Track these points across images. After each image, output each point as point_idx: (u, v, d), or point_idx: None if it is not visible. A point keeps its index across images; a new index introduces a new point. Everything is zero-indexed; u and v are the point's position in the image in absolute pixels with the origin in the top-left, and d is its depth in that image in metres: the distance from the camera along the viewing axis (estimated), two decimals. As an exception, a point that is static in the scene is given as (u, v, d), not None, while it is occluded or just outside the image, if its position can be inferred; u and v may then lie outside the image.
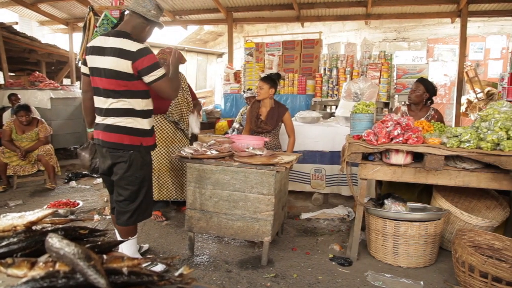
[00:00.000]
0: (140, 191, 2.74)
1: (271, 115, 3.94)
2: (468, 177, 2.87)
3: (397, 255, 3.06)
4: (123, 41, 2.52)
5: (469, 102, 8.19)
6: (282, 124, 4.07)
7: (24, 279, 0.72)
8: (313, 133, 4.76)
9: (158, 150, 3.97)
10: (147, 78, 2.53)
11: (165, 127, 4.00)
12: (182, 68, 4.16)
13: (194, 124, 3.95)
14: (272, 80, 3.95)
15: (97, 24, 3.96)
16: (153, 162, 3.93)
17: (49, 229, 0.91)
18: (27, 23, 11.43)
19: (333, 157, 4.65)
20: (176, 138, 4.05)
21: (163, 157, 4.00)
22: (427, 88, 3.85)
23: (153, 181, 3.98)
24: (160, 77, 2.54)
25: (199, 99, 7.47)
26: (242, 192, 3.02)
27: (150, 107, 2.74)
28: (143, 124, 2.67)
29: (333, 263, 3.15)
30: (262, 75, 4.20)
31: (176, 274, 0.87)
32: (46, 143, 5.53)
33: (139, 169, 2.69)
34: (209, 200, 3.10)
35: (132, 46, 2.50)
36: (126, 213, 2.74)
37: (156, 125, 3.94)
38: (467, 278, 2.59)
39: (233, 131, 5.81)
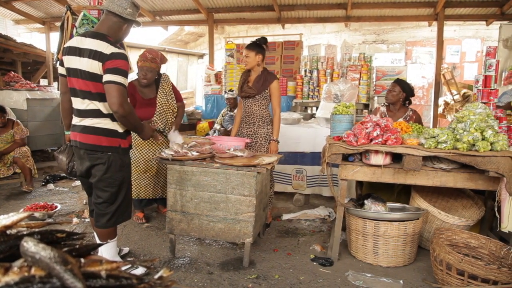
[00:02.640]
0: (119, 192, 2.70)
1: (258, 80, 3.74)
2: (445, 177, 2.93)
3: (377, 255, 3.10)
4: (99, 43, 2.48)
5: (446, 103, 8.38)
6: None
7: (-3, 285, 0.70)
8: (294, 134, 4.78)
9: (143, 151, 3.92)
10: (105, 77, 2.44)
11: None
12: (163, 69, 4.11)
13: (174, 139, 3.57)
14: (258, 45, 3.75)
15: (77, 24, 3.89)
16: (139, 163, 3.89)
17: (25, 233, 0.89)
18: (1, 21, 11.13)
19: (314, 158, 4.68)
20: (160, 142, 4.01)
21: (149, 158, 3.95)
22: (403, 88, 3.94)
23: (138, 181, 3.96)
24: (115, 81, 2.42)
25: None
26: (223, 193, 3.01)
27: None
28: (116, 125, 2.63)
29: (315, 263, 3.17)
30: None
31: (156, 276, 0.86)
32: (23, 144, 5.39)
33: (118, 170, 2.65)
34: (190, 201, 3.08)
35: (107, 49, 2.46)
36: (105, 216, 2.70)
37: None
38: (445, 276, 2.65)
39: (214, 132, 5.79)
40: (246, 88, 3.75)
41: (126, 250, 3.34)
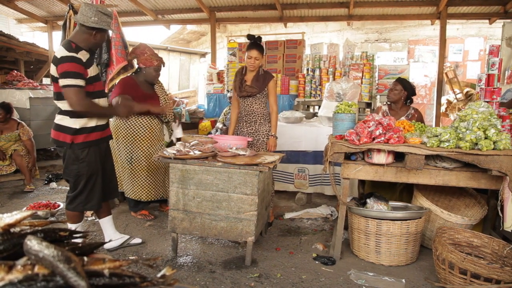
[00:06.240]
0: (78, 183, 2.97)
1: (257, 78, 3.79)
2: (447, 176, 2.93)
3: (380, 254, 3.10)
4: (59, 49, 2.83)
5: (449, 102, 8.36)
6: None
7: (1, 283, 0.70)
8: (296, 133, 4.78)
9: (146, 148, 3.94)
10: (60, 82, 2.75)
11: (154, 127, 3.99)
12: (165, 68, 4.14)
13: (177, 130, 4.21)
14: (262, 47, 3.80)
15: (78, 23, 3.89)
16: (141, 160, 3.93)
17: (28, 231, 0.89)
18: (3, 20, 11.16)
19: (316, 157, 4.68)
20: (163, 138, 4.08)
21: (150, 155, 3.97)
22: (405, 86, 3.94)
23: (143, 181, 3.99)
24: (67, 85, 2.71)
25: (182, 99, 7.46)
26: (225, 192, 3.01)
27: None
28: (70, 123, 2.87)
29: (317, 262, 3.17)
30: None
31: (159, 275, 0.86)
32: (31, 144, 5.43)
33: (71, 164, 2.94)
34: (192, 200, 3.08)
35: (60, 53, 2.76)
36: (67, 199, 3.08)
37: (146, 124, 3.93)
38: (447, 275, 2.64)
39: (216, 131, 5.79)
40: (247, 88, 3.77)
41: (138, 240, 3.48)
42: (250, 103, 3.80)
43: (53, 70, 2.80)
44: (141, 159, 3.93)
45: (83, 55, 2.83)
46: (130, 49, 4.38)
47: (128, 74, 4.09)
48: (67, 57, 2.73)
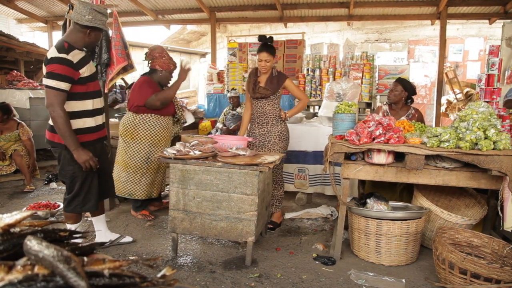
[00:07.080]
0: (73, 184, 2.95)
1: (271, 80, 3.76)
2: (447, 176, 2.93)
3: (380, 254, 3.10)
4: (51, 49, 2.80)
5: (449, 102, 8.36)
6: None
7: (1, 283, 0.70)
8: (296, 133, 4.77)
9: (164, 148, 3.97)
10: (44, 81, 2.74)
11: (170, 127, 4.11)
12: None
13: (189, 115, 4.49)
14: (272, 47, 3.73)
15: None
16: (156, 159, 3.97)
17: (28, 231, 0.89)
18: (3, 20, 11.16)
19: (316, 157, 4.68)
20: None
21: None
22: (405, 87, 3.94)
23: (153, 178, 4.05)
24: (47, 85, 2.69)
25: (183, 99, 7.48)
26: (225, 192, 3.01)
27: (75, 108, 2.86)
28: None
29: (317, 262, 3.17)
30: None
31: (159, 275, 0.86)
32: (31, 144, 5.44)
33: (67, 164, 2.91)
34: (192, 200, 3.08)
35: (51, 54, 2.74)
36: (65, 201, 3.05)
37: (165, 125, 3.99)
38: (447, 275, 2.64)
39: (217, 131, 5.79)
40: (261, 90, 3.75)
41: (129, 239, 3.48)
42: (263, 105, 3.79)
43: (44, 70, 2.78)
44: (156, 158, 3.96)
45: (76, 55, 2.77)
46: (131, 49, 4.37)
47: (144, 75, 4.07)
48: (56, 58, 2.70)
